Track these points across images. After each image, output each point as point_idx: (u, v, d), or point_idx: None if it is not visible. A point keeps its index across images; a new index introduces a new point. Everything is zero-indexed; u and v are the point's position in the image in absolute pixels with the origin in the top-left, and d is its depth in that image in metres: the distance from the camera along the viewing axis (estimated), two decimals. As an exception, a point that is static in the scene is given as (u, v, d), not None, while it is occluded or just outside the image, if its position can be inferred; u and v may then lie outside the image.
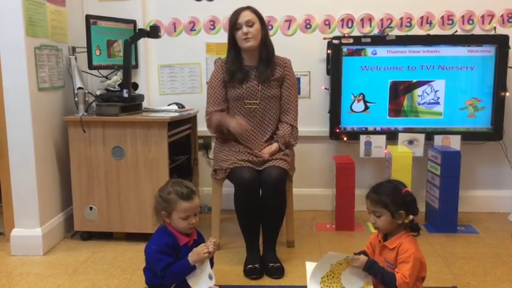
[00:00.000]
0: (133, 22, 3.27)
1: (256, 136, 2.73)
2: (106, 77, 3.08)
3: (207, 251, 1.93)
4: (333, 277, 1.87)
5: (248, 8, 2.63)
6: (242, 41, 2.61)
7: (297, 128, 2.77)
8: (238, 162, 2.58)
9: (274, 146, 2.68)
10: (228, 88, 2.72)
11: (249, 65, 2.71)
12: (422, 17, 3.36)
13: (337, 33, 3.38)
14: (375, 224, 1.89)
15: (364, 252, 2.02)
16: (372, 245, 2.01)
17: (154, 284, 1.98)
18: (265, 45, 2.68)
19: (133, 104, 3.00)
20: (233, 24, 2.62)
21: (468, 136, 3.30)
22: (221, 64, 2.74)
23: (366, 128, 3.36)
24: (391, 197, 1.84)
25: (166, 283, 1.93)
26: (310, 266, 1.93)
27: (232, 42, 2.67)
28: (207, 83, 3.30)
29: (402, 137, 3.28)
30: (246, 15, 2.60)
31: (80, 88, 2.94)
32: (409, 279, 1.76)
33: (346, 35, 3.33)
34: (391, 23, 3.37)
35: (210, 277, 1.97)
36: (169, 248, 1.94)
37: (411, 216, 1.84)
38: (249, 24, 2.59)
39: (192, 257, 1.93)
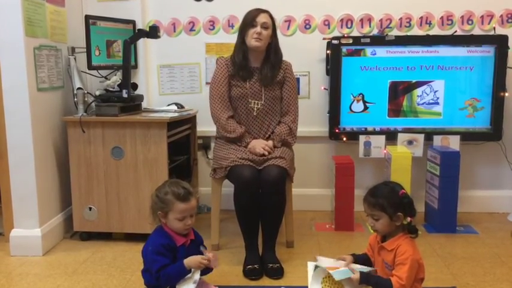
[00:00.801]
0: (133, 22, 3.27)
1: (257, 136, 2.74)
2: (105, 77, 3.08)
3: (205, 264, 1.93)
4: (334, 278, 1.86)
5: (267, 11, 2.67)
6: (252, 39, 2.62)
7: (296, 129, 2.78)
8: (238, 161, 2.58)
9: (269, 143, 2.68)
10: (232, 86, 2.73)
11: (254, 66, 2.72)
12: (421, 17, 3.36)
13: (336, 33, 3.38)
14: (373, 227, 1.89)
15: (365, 255, 2.02)
16: (372, 246, 2.01)
17: (154, 285, 1.98)
18: (276, 52, 2.72)
19: (133, 104, 3.00)
20: (250, 21, 2.63)
21: (467, 136, 3.30)
22: (225, 62, 2.74)
23: (366, 128, 3.36)
24: (388, 200, 1.84)
25: (161, 285, 1.93)
26: (311, 265, 1.93)
27: (243, 38, 2.68)
28: (207, 83, 3.31)
29: (401, 137, 3.28)
30: (264, 17, 2.64)
31: (79, 88, 2.94)
32: (405, 282, 1.76)
33: (345, 35, 3.34)
34: (390, 23, 3.38)
35: (195, 282, 1.95)
36: (165, 249, 1.94)
37: (409, 218, 1.84)
38: (264, 26, 2.62)
39: (188, 262, 1.92)
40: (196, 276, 1.95)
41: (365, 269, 1.89)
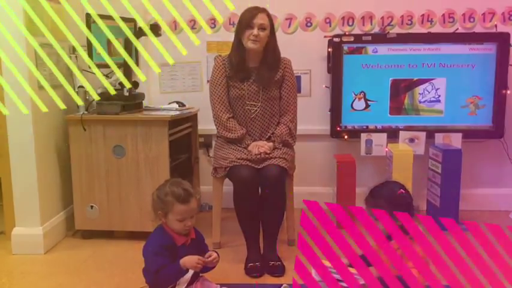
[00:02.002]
0: (134, 21, 3.25)
1: (257, 138, 2.73)
2: (107, 76, 3.07)
3: (200, 266, 1.92)
4: None
5: (264, 11, 2.61)
6: (249, 41, 2.58)
7: (295, 129, 2.77)
8: (237, 161, 2.57)
9: (270, 144, 2.67)
10: (230, 87, 2.71)
11: (251, 66, 2.70)
12: (423, 15, 3.35)
13: (337, 31, 3.38)
14: None
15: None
16: None
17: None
18: (273, 52, 2.67)
19: (134, 103, 3.00)
20: (247, 22, 2.57)
21: (469, 134, 3.29)
22: (222, 61, 2.72)
23: (367, 126, 3.36)
24: (387, 200, 1.84)
25: (159, 285, 1.92)
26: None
27: (239, 39, 2.63)
28: (207, 81, 3.30)
29: (403, 135, 3.27)
30: (262, 18, 2.58)
31: (80, 87, 2.94)
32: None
33: (346, 33, 3.33)
34: (391, 20, 3.37)
35: (185, 281, 1.94)
36: (164, 249, 1.94)
37: None
38: (262, 27, 2.57)
39: (184, 262, 1.91)
40: (188, 276, 1.94)
41: None
